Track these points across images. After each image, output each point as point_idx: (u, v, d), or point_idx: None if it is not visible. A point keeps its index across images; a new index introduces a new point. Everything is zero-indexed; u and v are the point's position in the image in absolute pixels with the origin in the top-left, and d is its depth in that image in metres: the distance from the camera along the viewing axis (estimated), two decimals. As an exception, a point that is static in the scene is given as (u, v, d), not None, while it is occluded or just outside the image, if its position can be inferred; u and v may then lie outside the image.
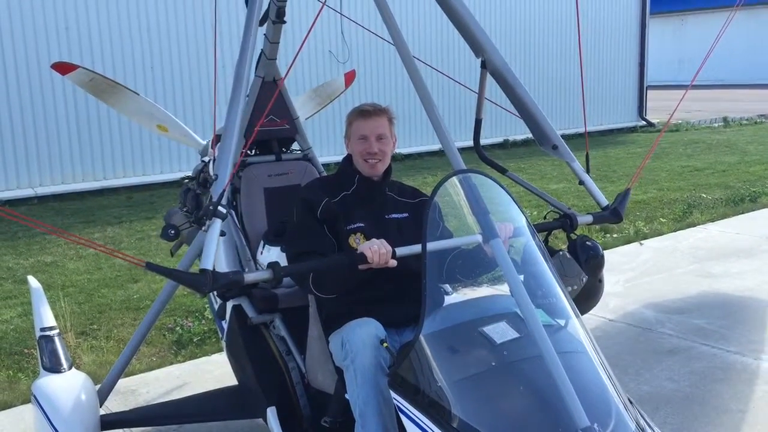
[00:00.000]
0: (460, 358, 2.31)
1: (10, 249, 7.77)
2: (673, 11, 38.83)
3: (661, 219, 8.44)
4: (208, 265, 2.44)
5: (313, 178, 3.85)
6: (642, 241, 7.56)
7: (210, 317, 5.37)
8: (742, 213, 8.77)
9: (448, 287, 3.04)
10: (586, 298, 3.20)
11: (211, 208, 2.57)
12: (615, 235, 7.68)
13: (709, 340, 4.88)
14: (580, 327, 2.41)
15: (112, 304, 5.96)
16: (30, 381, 4.59)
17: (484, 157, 3.52)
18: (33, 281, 3.72)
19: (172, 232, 2.73)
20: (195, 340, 5.08)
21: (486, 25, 13.28)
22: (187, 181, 4.11)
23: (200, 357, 4.87)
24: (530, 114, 3.34)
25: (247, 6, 3.22)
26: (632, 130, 18.21)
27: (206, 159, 4.01)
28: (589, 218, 3.31)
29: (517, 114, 3.38)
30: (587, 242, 3.24)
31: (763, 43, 36.07)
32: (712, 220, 8.43)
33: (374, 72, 12.87)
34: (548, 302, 2.43)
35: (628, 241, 7.53)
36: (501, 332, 2.33)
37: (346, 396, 2.69)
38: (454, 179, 2.51)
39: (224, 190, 2.65)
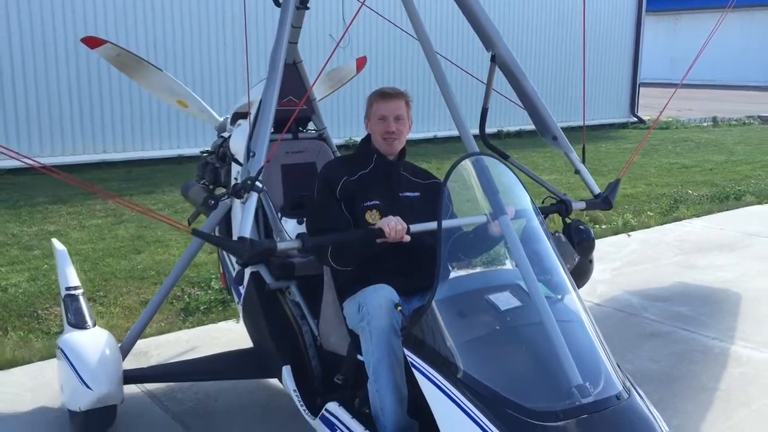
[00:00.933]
0: (468, 322, 2.56)
1: (13, 216, 7.92)
2: (668, 10, 39.10)
3: (648, 212, 8.73)
4: (246, 234, 2.67)
5: (326, 157, 4.09)
6: (629, 233, 7.84)
7: (215, 287, 5.59)
8: (727, 210, 9.08)
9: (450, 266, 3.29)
10: (577, 276, 3.44)
11: (249, 182, 2.80)
12: (604, 226, 7.96)
13: (689, 326, 5.16)
14: (577, 300, 2.66)
15: (117, 273, 6.14)
16: (41, 341, 4.81)
17: (489, 143, 3.75)
18: (58, 244, 3.93)
19: (212, 201, 2.96)
20: (202, 308, 5.30)
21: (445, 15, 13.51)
22: (206, 155, 4.31)
23: (207, 324, 5.10)
24: (534, 106, 3.57)
25: None
26: (624, 126, 18.51)
27: (225, 134, 4.21)
28: (582, 204, 3.57)
29: (521, 105, 3.61)
30: (580, 226, 3.49)
31: (755, 45, 36.49)
32: (698, 216, 8.73)
33: (376, 57, 13.11)
34: (549, 277, 2.68)
35: (617, 232, 7.81)
36: (505, 300, 2.58)
37: (358, 357, 2.94)
38: (468, 161, 2.74)
39: (262, 167, 2.88)
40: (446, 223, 2.71)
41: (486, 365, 2.42)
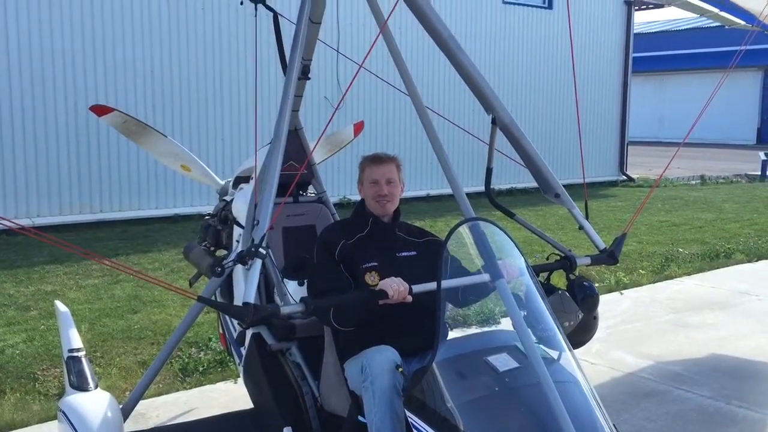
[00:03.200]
0: (468, 383, 2.62)
1: (9, 277, 7.95)
2: (654, 71, 39.99)
3: (640, 270, 8.83)
4: (250, 299, 2.74)
5: (325, 219, 4.20)
6: (622, 291, 7.93)
7: (214, 348, 5.61)
8: (718, 268, 9.20)
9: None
10: (582, 332, 3.52)
11: (253, 249, 2.89)
12: (597, 284, 8.02)
13: (684, 385, 5.21)
14: (573, 360, 2.74)
15: (114, 333, 6.16)
16: (38, 404, 4.81)
17: (495, 202, 3.85)
18: (60, 305, 3.97)
19: (219, 269, 3.04)
20: (200, 368, 5.32)
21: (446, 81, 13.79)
22: (207, 217, 4.41)
23: (206, 384, 5.11)
24: (535, 165, 3.69)
25: (282, 65, 3.57)
26: (613, 184, 18.77)
27: (227, 198, 4.32)
28: (587, 260, 3.63)
29: (523, 164, 3.72)
30: (584, 282, 3.55)
31: (740, 104, 37.25)
32: (689, 274, 8.84)
33: (368, 116, 13.40)
34: (545, 336, 2.75)
35: (610, 290, 7.90)
36: (503, 362, 2.65)
37: (359, 418, 2.98)
38: (465, 226, 2.85)
39: (265, 234, 2.97)
40: (445, 283, 2.80)
41: (485, 427, 2.47)
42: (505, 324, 3.05)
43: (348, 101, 12.73)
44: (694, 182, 20.14)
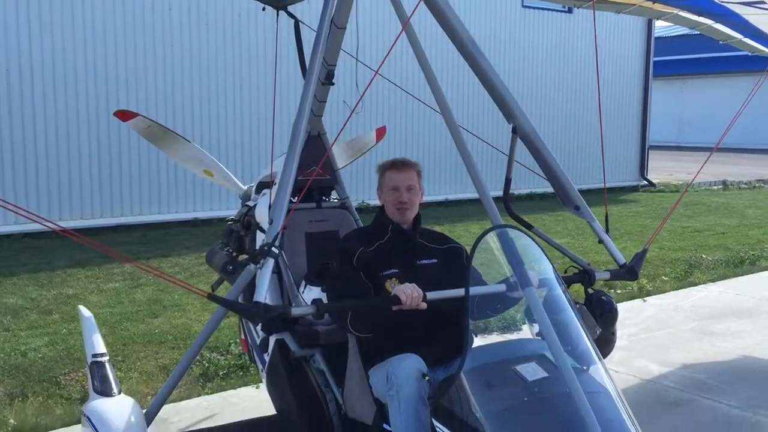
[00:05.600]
0: (497, 393, 2.58)
1: (32, 280, 8.00)
2: (675, 75, 39.66)
3: (663, 277, 8.73)
4: (261, 298, 2.72)
5: (348, 225, 4.17)
6: (645, 298, 7.83)
7: (234, 353, 5.60)
8: (742, 275, 9.07)
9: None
10: (600, 347, 3.43)
11: (266, 248, 2.87)
12: (619, 291, 7.96)
13: (710, 395, 5.12)
14: (603, 370, 2.69)
15: (134, 338, 6.18)
16: (61, 408, 4.82)
17: (513, 213, 3.81)
18: (85, 310, 3.97)
19: (230, 267, 3.02)
20: (221, 373, 5.31)
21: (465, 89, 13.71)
22: (230, 222, 4.40)
23: (227, 389, 5.10)
24: (555, 176, 3.63)
25: (303, 72, 3.55)
26: (634, 189, 18.61)
27: (250, 204, 4.31)
28: (607, 275, 3.56)
29: (543, 176, 3.68)
30: (603, 297, 3.49)
31: (764, 108, 36.81)
32: (713, 281, 8.73)
33: (386, 121, 13.38)
34: (574, 347, 2.71)
35: (632, 297, 7.81)
36: (532, 371, 2.60)
37: (384, 426, 2.95)
38: (493, 233, 2.81)
39: (278, 233, 2.94)
40: (474, 290, 2.76)
41: (515, 436, 2.43)
42: (526, 332, 3.01)
43: (366, 104, 12.75)
44: (716, 187, 19.93)
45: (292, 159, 3.19)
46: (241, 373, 5.31)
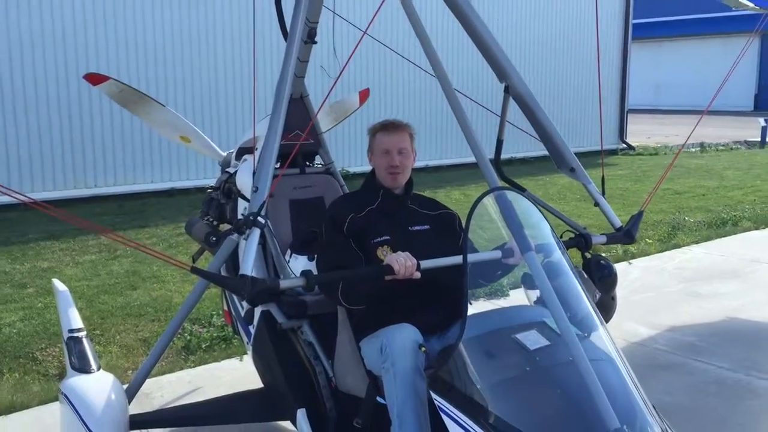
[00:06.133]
0: (497, 363, 2.46)
1: (4, 254, 7.77)
2: (651, 37, 39.62)
3: (647, 239, 8.69)
4: (248, 271, 2.57)
5: (333, 191, 4.02)
6: (630, 261, 7.79)
7: (218, 324, 5.46)
8: (725, 236, 9.06)
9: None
10: (600, 313, 3.36)
11: (251, 218, 2.71)
12: (604, 254, 7.90)
13: (701, 356, 5.08)
14: (606, 336, 2.58)
15: (113, 311, 6.02)
16: (38, 385, 4.66)
17: (504, 176, 3.68)
18: (59, 284, 3.80)
19: (213, 238, 2.86)
20: (203, 346, 5.17)
21: (456, 45, 13.34)
22: (210, 191, 4.21)
23: (210, 363, 4.97)
24: (550, 137, 3.51)
25: (282, 32, 3.37)
26: (613, 152, 18.58)
27: (230, 170, 4.13)
28: (603, 239, 3.47)
29: (537, 137, 3.55)
30: (601, 261, 3.40)
31: (737, 71, 36.98)
32: (696, 242, 8.71)
33: (367, 85, 13.15)
34: (576, 312, 2.59)
35: (618, 260, 7.75)
36: (533, 340, 2.49)
37: (378, 399, 2.84)
38: (491, 196, 2.67)
39: (264, 202, 2.78)
40: (473, 257, 2.65)
41: (518, 409, 2.32)
42: (523, 299, 2.90)
43: (346, 68, 12.46)
44: (694, 149, 19.99)
45: (277, 123, 3.02)
46: (224, 345, 5.17)
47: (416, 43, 3.11)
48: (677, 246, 8.50)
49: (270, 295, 3.15)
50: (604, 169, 3.62)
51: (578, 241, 3.37)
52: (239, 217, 3.75)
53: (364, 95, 4.92)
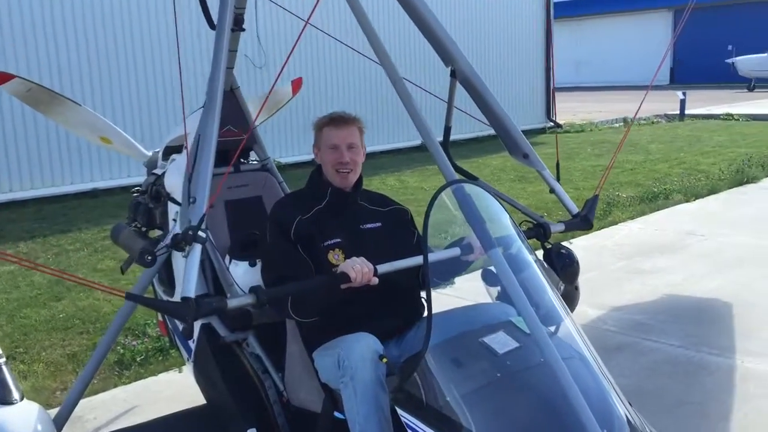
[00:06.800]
0: (466, 371, 2.28)
1: None
2: (571, 16, 40.37)
3: (584, 217, 8.70)
4: (190, 293, 2.30)
5: (272, 189, 3.76)
6: (570, 240, 7.76)
7: (153, 334, 5.14)
8: (658, 210, 9.17)
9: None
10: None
11: (190, 233, 2.43)
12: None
13: (651, 335, 5.06)
14: (574, 330, 2.44)
15: (36, 325, 5.64)
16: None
17: (455, 164, 3.50)
18: None
19: (149, 258, 2.57)
20: (138, 359, 4.85)
21: (399, 30, 13.11)
22: (136, 194, 3.89)
23: (147, 377, 4.66)
24: (500, 123, 3.35)
25: (207, 20, 3.11)
26: (541, 131, 18.76)
27: (157, 171, 3.82)
28: (561, 226, 3.34)
29: (487, 122, 3.39)
30: (562, 250, 3.28)
31: (653, 46, 37.99)
32: (632, 218, 8.78)
33: (298, 73, 12.81)
34: (542, 307, 2.43)
35: (558, 241, 7.71)
36: (501, 342, 2.32)
37: (336, 414, 2.63)
38: (449, 190, 2.48)
39: (204, 214, 2.51)
40: (434, 256, 2.47)
41: (492, 420, 2.15)
42: (484, 296, 2.73)
43: (271, 56, 12.09)
44: (617, 125, 20.38)
45: (212, 121, 2.73)
46: (160, 357, 4.86)
47: (348, 24, 2.89)
48: (614, 223, 8.55)
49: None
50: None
51: (537, 231, 3.23)
52: (170, 222, 3.47)
53: (297, 84, 4.67)
